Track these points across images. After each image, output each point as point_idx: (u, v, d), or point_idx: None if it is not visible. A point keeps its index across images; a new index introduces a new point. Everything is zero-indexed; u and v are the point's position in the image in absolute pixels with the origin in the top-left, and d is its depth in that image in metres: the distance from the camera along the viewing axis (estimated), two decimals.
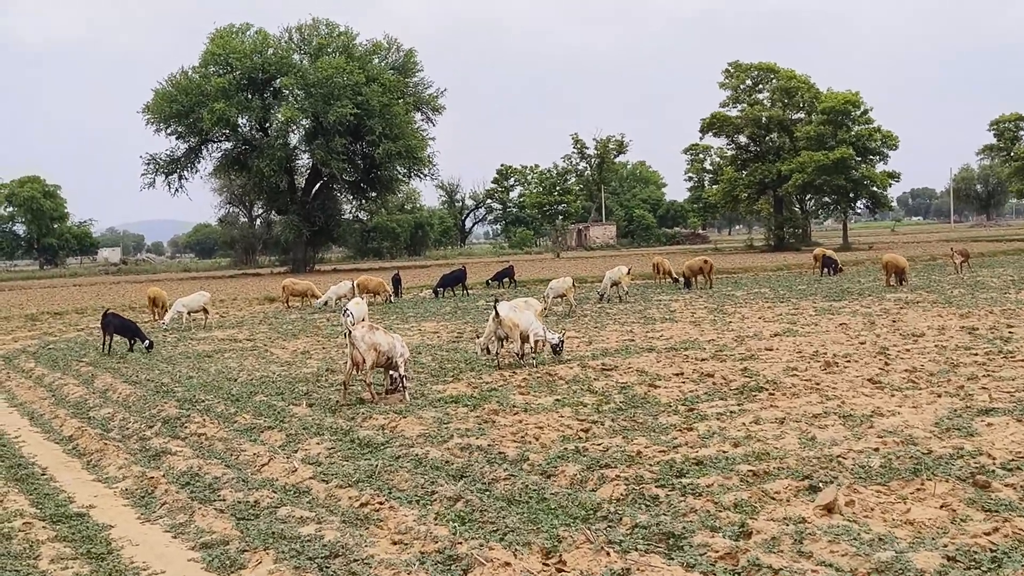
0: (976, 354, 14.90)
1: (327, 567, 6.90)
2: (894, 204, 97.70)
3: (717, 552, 6.51)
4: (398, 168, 72.45)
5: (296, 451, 10.69)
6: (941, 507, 7.34)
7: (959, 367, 13.78)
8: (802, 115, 77.29)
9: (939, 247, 59.38)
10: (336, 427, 11.68)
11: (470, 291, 37.66)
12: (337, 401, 13.41)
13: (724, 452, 9.34)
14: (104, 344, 21.68)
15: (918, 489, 7.84)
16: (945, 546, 6.44)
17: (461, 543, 7.02)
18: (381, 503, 8.26)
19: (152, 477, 9.80)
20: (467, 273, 38.33)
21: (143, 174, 71.77)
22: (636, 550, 6.68)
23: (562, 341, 16.55)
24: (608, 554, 6.58)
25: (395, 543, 7.33)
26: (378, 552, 7.04)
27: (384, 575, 6.55)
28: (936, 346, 16.04)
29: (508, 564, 6.51)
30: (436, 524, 7.63)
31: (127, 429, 12.73)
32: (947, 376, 13.09)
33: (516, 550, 6.90)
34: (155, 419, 13.03)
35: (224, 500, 8.90)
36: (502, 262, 58.69)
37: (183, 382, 16.21)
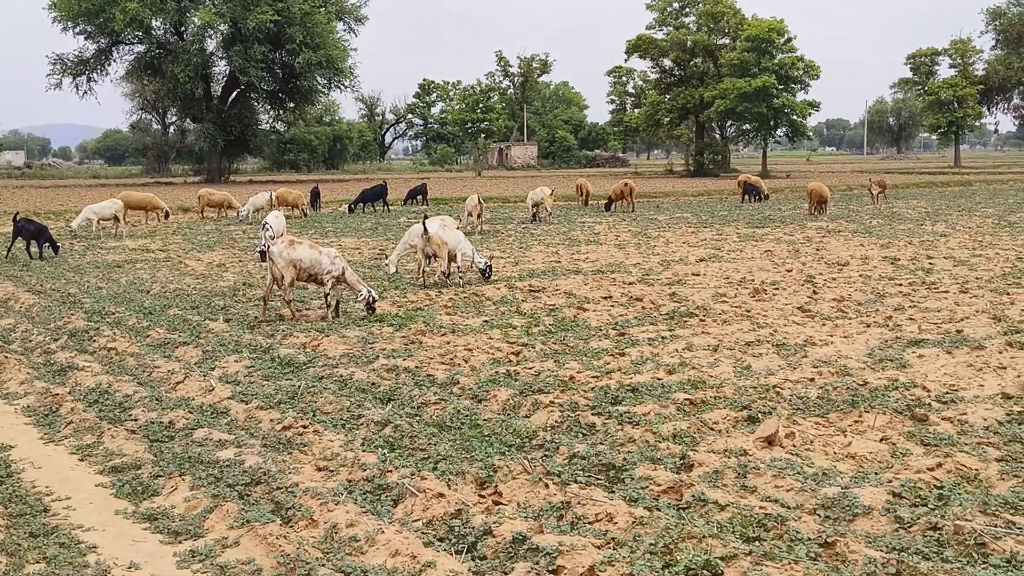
0: (900, 284, 14.95)
1: (248, 495, 6.50)
2: (811, 134, 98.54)
3: (660, 486, 6.27)
4: (318, 79, 70.37)
5: (213, 369, 10.18)
6: (881, 440, 7.22)
7: (885, 297, 13.79)
8: (727, 41, 77.00)
9: (854, 178, 60.19)
10: (255, 344, 11.18)
11: (391, 207, 36.96)
12: (256, 317, 12.88)
13: (659, 379, 9.12)
14: (7, 249, 20.69)
15: (856, 421, 7.71)
16: (889, 481, 6.29)
17: (391, 471, 6.67)
18: (305, 427, 7.85)
19: (57, 394, 9.23)
20: (388, 189, 37.55)
21: (49, 75, 68.38)
22: (576, 482, 6.40)
23: (489, 266, 16.11)
24: (547, 486, 6.30)
25: (320, 470, 6.95)
26: (302, 479, 6.65)
27: (310, 504, 6.17)
28: (860, 275, 16.07)
29: (441, 495, 6.19)
30: (364, 450, 7.26)
31: (30, 342, 12.05)
32: (875, 306, 13.08)
33: (449, 480, 6.58)
34: (61, 331, 12.35)
35: (136, 420, 8.38)
36: (422, 178, 57.91)
37: (92, 293, 15.47)
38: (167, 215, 31.89)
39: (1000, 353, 10.01)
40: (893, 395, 8.38)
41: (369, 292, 12.74)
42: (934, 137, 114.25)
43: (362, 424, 7.96)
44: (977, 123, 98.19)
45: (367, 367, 9.92)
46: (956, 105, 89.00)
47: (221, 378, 9.69)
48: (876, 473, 6.53)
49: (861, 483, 6.30)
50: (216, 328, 12.25)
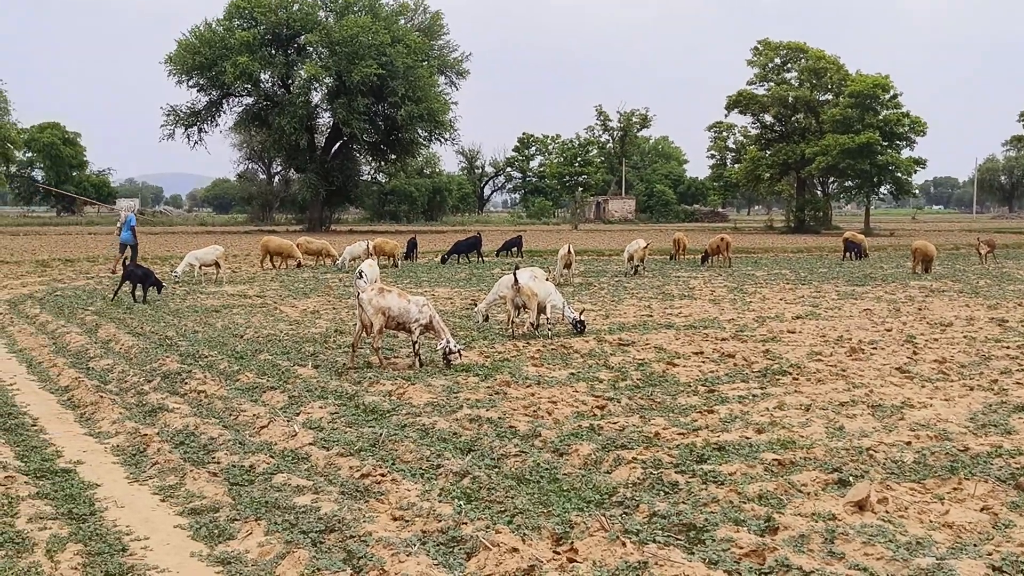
0: (1008, 347, 14.33)
1: (321, 542, 6.44)
2: (916, 191, 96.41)
3: (742, 549, 6.02)
4: (419, 131, 71.58)
5: (298, 414, 10.22)
6: (982, 510, 6.84)
7: (991, 360, 13.23)
8: (829, 96, 76.08)
9: (961, 237, 58.53)
10: (341, 391, 11.22)
11: (485, 258, 37.15)
12: (344, 364, 12.95)
13: (747, 438, 8.84)
14: (114, 292, 21.33)
15: (955, 488, 7.33)
16: (989, 554, 5.94)
17: (466, 523, 6.55)
18: (383, 475, 7.79)
19: (145, 434, 9.35)
20: (482, 240, 37.77)
21: (163, 125, 71.13)
22: (654, 541, 6.19)
23: (582, 321, 15.89)
24: (624, 544, 6.09)
25: (395, 519, 6.86)
26: (377, 529, 6.57)
27: (381, 555, 6.08)
28: (965, 337, 15.47)
29: (516, 550, 6.04)
30: (440, 501, 7.15)
31: (125, 382, 12.29)
32: (979, 369, 12.55)
33: (525, 534, 6.43)
34: (155, 373, 12.59)
35: (218, 463, 8.43)
36: (519, 231, 58.20)
37: (187, 336, 15.77)
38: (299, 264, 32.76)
39: None
40: (996, 462, 7.95)
41: (448, 343, 12.64)
42: None
43: (440, 474, 7.86)
44: None
45: (450, 416, 9.84)
46: None
47: (305, 424, 9.72)
48: (975, 545, 6.16)
49: (958, 555, 5.95)
50: (304, 374, 12.34)
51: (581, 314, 16.04)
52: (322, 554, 6.21)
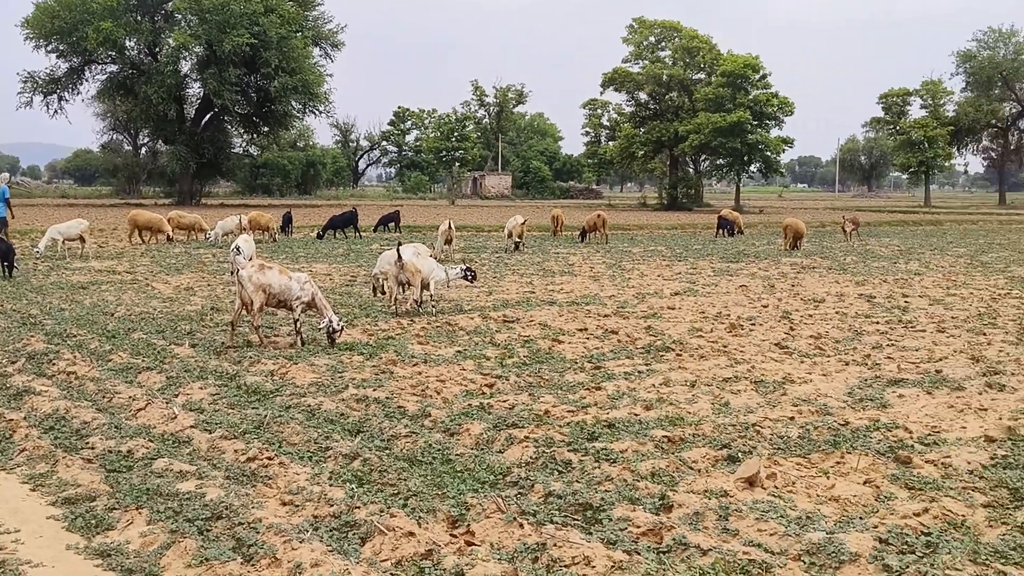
0: (877, 322, 14.83)
1: (208, 530, 6.19)
2: (783, 170, 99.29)
3: (639, 528, 6.03)
4: (293, 103, 70.10)
5: (176, 395, 9.84)
6: (865, 483, 7.01)
7: (862, 335, 13.66)
8: (702, 76, 77.57)
9: (826, 215, 60.58)
10: (221, 371, 10.85)
11: (362, 234, 36.69)
12: (223, 343, 12.55)
13: (636, 415, 8.89)
14: None
15: (838, 462, 7.51)
16: (876, 527, 6.08)
17: (359, 507, 6.39)
18: (270, 458, 7.55)
19: (11, 420, 8.86)
20: (358, 215, 37.25)
21: (20, 92, 67.84)
22: (552, 522, 6.14)
23: (470, 268, 16.13)
24: (522, 526, 6.03)
25: (285, 504, 6.65)
26: (266, 515, 6.35)
27: (273, 542, 5.87)
28: (837, 312, 15.95)
29: (412, 534, 5.92)
30: (331, 484, 6.96)
31: None
32: (852, 344, 12.94)
33: (420, 517, 6.30)
34: (19, 354, 11.96)
35: (93, 449, 8.03)
36: (395, 206, 57.71)
37: (54, 314, 15.05)
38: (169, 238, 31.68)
39: (980, 395, 9.86)
40: (875, 436, 8.20)
41: (331, 321, 12.38)
42: (904, 176, 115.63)
43: (330, 457, 7.67)
44: (947, 164, 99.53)
45: (336, 397, 9.63)
46: (927, 145, 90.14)
47: (184, 406, 9.37)
48: (861, 518, 6.31)
49: (846, 528, 6.08)
50: (181, 353, 11.92)
51: (466, 268, 16.18)
52: (210, 543, 5.97)
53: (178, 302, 16.79)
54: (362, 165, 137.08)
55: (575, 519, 6.28)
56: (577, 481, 7.01)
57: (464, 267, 16.14)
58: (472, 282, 15.95)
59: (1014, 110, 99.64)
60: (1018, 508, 6.47)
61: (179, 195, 69.40)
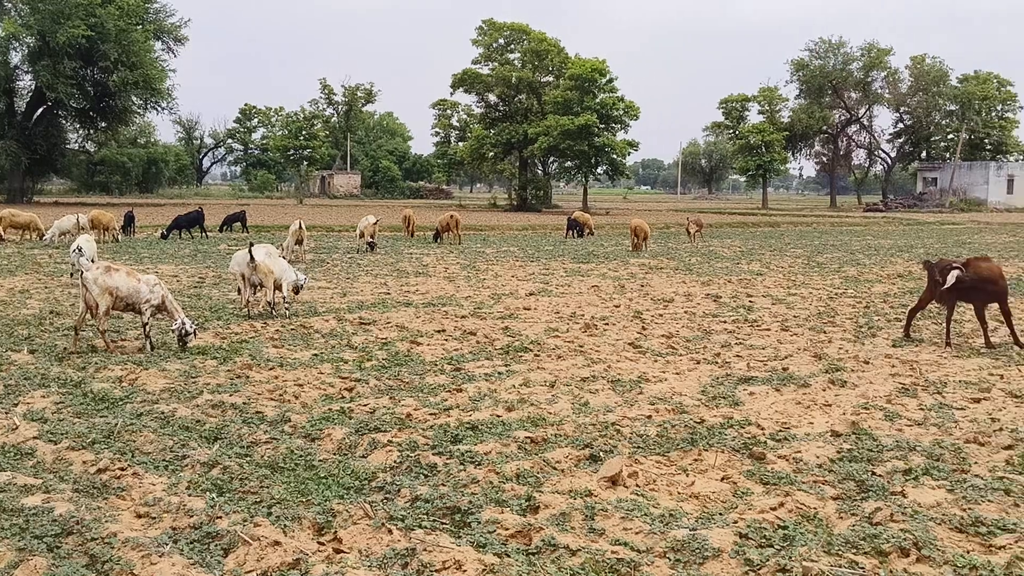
0: (724, 321, 15.33)
1: (59, 547, 5.88)
2: (629, 173, 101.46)
3: (508, 530, 6.05)
4: (133, 98, 67.67)
5: (16, 405, 9.34)
6: (722, 479, 7.23)
7: (711, 334, 14.09)
8: (551, 78, 78.52)
9: (670, 216, 62.20)
10: (65, 378, 10.37)
11: (209, 234, 35.72)
12: (65, 348, 11.99)
13: (498, 416, 8.93)
14: None
15: (696, 460, 7.71)
16: (735, 522, 6.27)
17: (221, 517, 6.20)
18: (123, 469, 7.24)
19: None
20: (204, 215, 36.24)
21: None
22: (420, 527, 6.11)
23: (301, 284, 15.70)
24: (390, 531, 5.97)
25: (141, 517, 6.39)
26: (121, 528, 6.09)
27: (130, 557, 5.64)
28: (686, 312, 16.41)
29: (277, 543, 5.78)
30: (190, 494, 6.73)
31: None
32: (702, 343, 13.33)
33: (285, 526, 6.16)
34: None
35: None
36: (242, 205, 56.39)
37: None
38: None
39: (824, 391, 10.30)
40: (729, 433, 8.46)
41: (183, 324, 12.00)
42: (743, 179, 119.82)
43: (187, 465, 7.41)
44: (782, 167, 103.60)
45: (190, 403, 9.33)
46: (764, 149, 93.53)
47: (25, 415, 8.89)
48: (721, 514, 6.50)
49: (708, 524, 6.25)
50: (20, 360, 11.34)
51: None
52: (61, 560, 5.69)
53: (13, 306, 15.96)
54: (207, 163, 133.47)
55: (444, 523, 6.26)
56: (443, 484, 6.99)
57: (301, 278, 15.70)
58: (296, 293, 15.62)
59: (843, 117, 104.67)
60: (865, 499, 6.78)
61: (9, 193, 65.91)
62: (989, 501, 6.72)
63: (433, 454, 7.67)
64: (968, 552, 5.82)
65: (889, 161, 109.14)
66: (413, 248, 31.70)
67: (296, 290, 15.45)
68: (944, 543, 5.94)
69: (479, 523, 6.18)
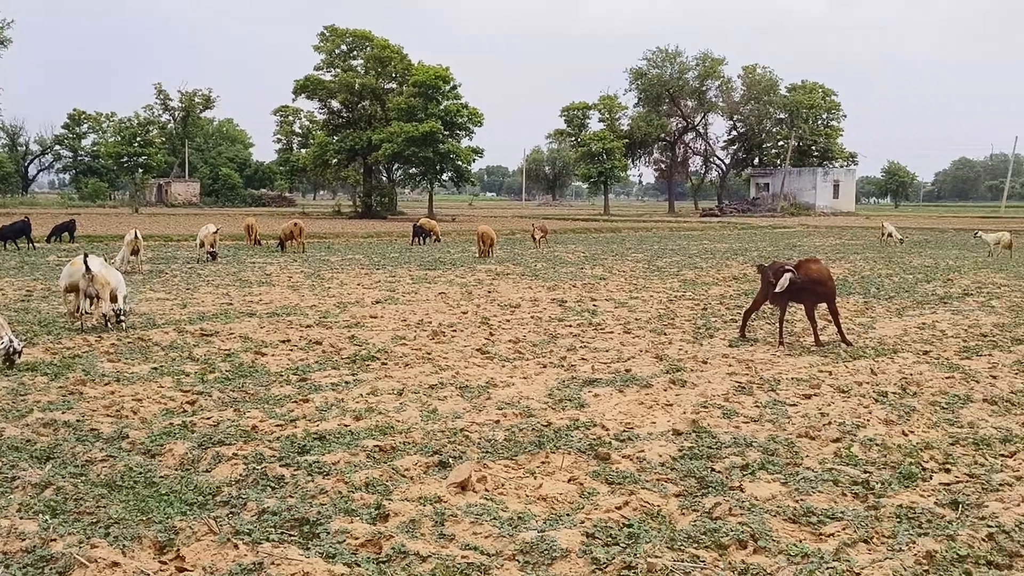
0: (569, 326, 15.60)
1: None
2: (474, 180, 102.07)
3: (357, 539, 6.01)
4: None
5: None
6: (569, 481, 7.36)
7: (557, 338, 14.32)
8: (394, 85, 78.38)
9: (515, 222, 62.89)
10: None
11: (37, 244, 34.17)
12: None
13: (346, 426, 8.85)
14: None
15: (544, 462, 7.83)
16: (582, 522, 6.40)
17: (55, 540, 5.94)
18: None
19: None
20: (31, 225, 34.63)
21: None
22: (268, 540, 6.00)
23: (122, 311, 14.54)
24: (236, 546, 5.84)
25: None
26: None
27: None
28: (532, 317, 16.62)
29: (116, 564, 5.58)
30: (21, 517, 6.42)
31: None
32: (548, 347, 13.53)
33: (124, 546, 5.94)
34: None
35: None
36: (71, 214, 54.12)
37: None
38: None
39: (665, 391, 10.61)
40: (576, 435, 8.62)
41: (10, 341, 11.42)
42: (585, 186, 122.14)
43: (17, 487, 7.06)
44: (623, 174, 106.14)
45: (19, 422, 8.89)
46: (605, 157, 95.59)
47: None
48: (568, 514, 6.62)
49: (556, 525, 6.35)
50: None
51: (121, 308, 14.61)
52: None
53: None
54: (33, 171, 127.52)
55: (292, 535, 6.16)
56: (291, 496, 6.88)
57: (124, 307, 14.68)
58: (117, 324, 14.57)
59: (680, 125, 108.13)
60: (705, 495, 7.02)
61: None
62: (819, 492, 7.07)
63: (280, 466, 7.55)
64: (800, 541, 6.11)
65: (724, 167, 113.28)
66: (256, 257, 31.08)
67: (118, 317, 14.49)
68: (779, 534, 6.21)
69: (328, 533, 6.12)
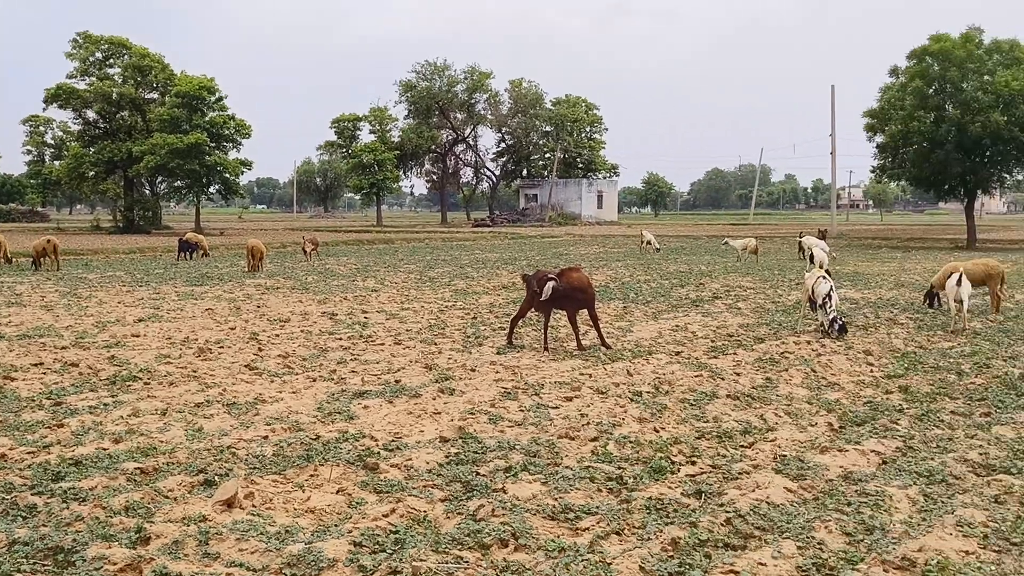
0: (340, 339, 15.59)
1: None
2: (243, 192, 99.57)
3: (116, 564, 5.85)
4: None
5: None
6: (337, 492, 7.43)
7: (327, 351, 14.29)
8: (156, 95, 75.44)
9: (287, 235, 61.84)
10: None
11: None
12: None
13: (105, 449, 8.56)
14: None
15: (312, 475, 7.86)
16: (350, 532, 6.49)
17: None
18: None
19: None
20: None
21: None
22: (19, 572, 5.76)
23: None
24: None
25: None
26: None
27: None
28: (302, 331, 16.50)
29: None
30: None
31: None
32: (319, 360, 13.50)
33: None
34: None
35: None
36: None
37: None
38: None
39: (434, 399, 10.83)
40: (345, 447, 8.68)
41: None
42: (357, 197, 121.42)
43: None
44: (395, 185, 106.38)
45: None
46: (376, 168, 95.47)
47: None
48: (336, 525, 6.69)
49: (324, 537, 6.41)
50: None
51: None
52: None
53: None
54: None
55: (45, 564, 5.93)
56: (44, 525, 6.61)
57: None
58: None
59: (451, 137, 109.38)
60: (470, 498, 7.25)
61: None
62: (577, 489, 7.45)
63: (32, 494, 7.23)
64: (558, 537, 6.43)
65: (494, 179, 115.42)
66: (5, 276, 29.21)
67: None
68: (538, 531, 6.51)
69: (84, 561, 5.93)
